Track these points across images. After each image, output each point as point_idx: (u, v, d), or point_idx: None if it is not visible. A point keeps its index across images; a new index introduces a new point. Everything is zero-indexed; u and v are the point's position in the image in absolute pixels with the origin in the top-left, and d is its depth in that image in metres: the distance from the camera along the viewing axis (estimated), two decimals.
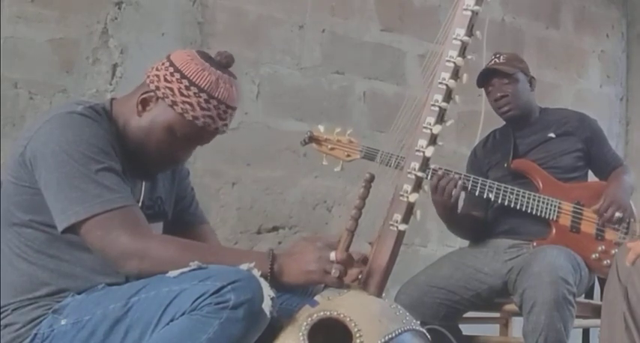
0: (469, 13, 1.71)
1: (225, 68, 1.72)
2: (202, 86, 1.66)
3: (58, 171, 1.57)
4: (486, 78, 2.82)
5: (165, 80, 1.67)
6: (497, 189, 2.65)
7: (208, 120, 1.67)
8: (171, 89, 1.66)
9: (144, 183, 1.77)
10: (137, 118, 1.70)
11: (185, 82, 1.66)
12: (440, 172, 2.58)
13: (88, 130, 1.61)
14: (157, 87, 1.68)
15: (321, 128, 2.67)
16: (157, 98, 1.68)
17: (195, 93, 1.65)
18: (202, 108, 1.66)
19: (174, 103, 1.66)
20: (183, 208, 1.92)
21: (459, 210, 2.70)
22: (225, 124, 1.72)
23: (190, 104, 1.66)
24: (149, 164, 1.74)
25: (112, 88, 2.96)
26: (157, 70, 1.70)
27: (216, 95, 1.67)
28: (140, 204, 1.72)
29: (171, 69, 1.68)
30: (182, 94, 1.66)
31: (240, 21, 3.31)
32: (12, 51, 2.78)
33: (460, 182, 2.58)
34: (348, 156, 2.66)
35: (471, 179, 2.66)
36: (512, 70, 2.80)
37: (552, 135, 2.82)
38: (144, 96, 1.70)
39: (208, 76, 1.67)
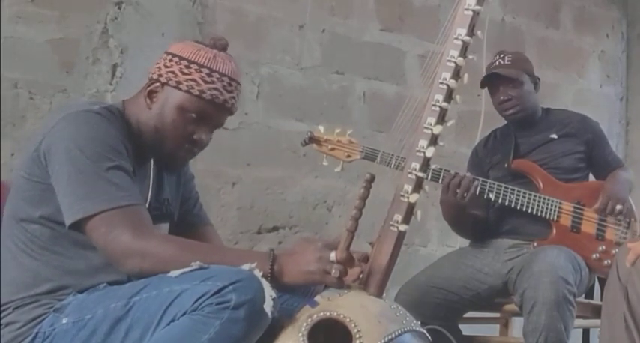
0: (470, 12, 1.71)
1: (221, 50, 1.76)
2: (202, 62, 1.71)
3: (69, 167, 1.59)
4: (490, 80, 2.81)
5: (165, 66, 1.73)
6: (497, 189, 2.65)
7: (215, 92, 1.71)
8: (172, 72, 1.71)
9: (151, 185, 1.78)
10: (148, 111, 1.74)
11: (184, 62, 1.71)
12: (446, 172, 2.58)
13: (102, 129, 1.64)
14: (160, 75, 1.73)
15: (322, 128, 2.66)
16: (162, 85, 1.73)
17: (196, 70, 1.70)
18: (206, 82, 1.70)
19: (178, 83, 1.70)
20: (187, 209, 1.93)
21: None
22: (233, 97, 1.75)
23: (194, 80, 1.70)
24: (170, 154, 1.76)
25: (112, 88, 2.96)
26: (157, 63, 1.76)
27: (216, 69, 1.71)
28: (147, 205, 1.73)
29: (169, 57, 1.74)
30: (184, 73, 1.70)
31: (241, 21, 3.31)
32: (12, 51, 2.77)
33: (476, 182, 2.59)
34: (349, 156, 2.65)
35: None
36: (517, 73, 2.78)
37: (554, 135, 2.82)
38: (150, 88, 1.74)
39: (205, 53, 1.73)
